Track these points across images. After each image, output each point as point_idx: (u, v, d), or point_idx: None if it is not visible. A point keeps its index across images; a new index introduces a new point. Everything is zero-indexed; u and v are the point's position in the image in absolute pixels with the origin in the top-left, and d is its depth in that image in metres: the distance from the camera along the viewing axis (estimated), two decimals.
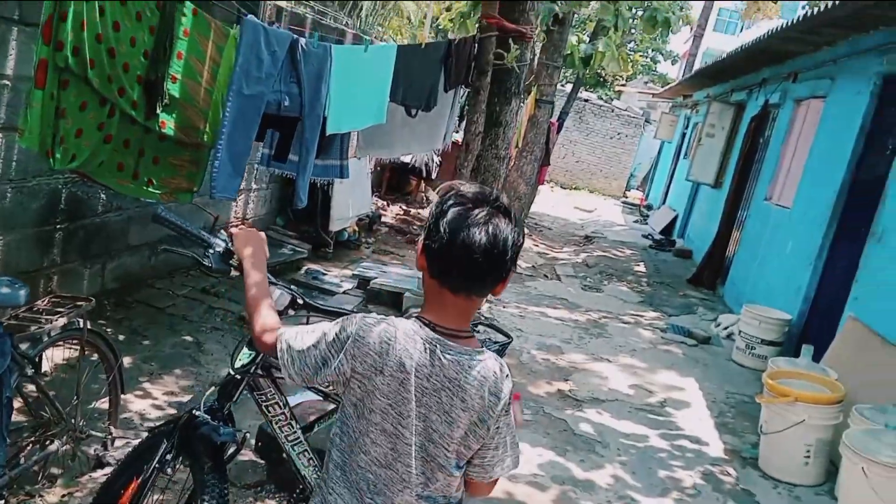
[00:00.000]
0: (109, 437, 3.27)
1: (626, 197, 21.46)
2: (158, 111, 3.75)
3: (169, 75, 3.74)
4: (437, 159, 10.91)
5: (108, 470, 3.19)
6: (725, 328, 7.32)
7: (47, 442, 2.90)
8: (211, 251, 2.00)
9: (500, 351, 2.54)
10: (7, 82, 3.99)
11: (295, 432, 2.21)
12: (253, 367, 2.07)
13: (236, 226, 1.86)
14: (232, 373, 2.07)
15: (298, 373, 1.52)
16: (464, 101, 6.64)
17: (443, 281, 1.49)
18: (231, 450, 2.06)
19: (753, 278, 8.05)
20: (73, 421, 3.02)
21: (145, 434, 3.57)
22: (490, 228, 1.44)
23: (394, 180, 11.96)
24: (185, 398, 4.12)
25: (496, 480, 1.61)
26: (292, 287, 2.15)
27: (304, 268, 7.09)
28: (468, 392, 1.49)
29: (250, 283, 1.74)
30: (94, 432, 3.20)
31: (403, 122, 5.41)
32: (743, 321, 6.46)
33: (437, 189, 1.56)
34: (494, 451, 1.56)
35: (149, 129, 3.83)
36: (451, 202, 1.48)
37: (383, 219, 10.35)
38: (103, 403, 3.32)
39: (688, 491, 4.01)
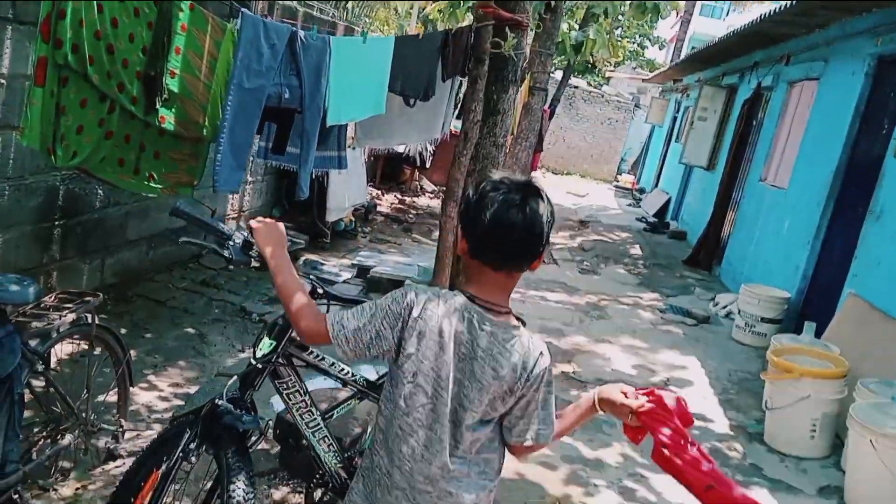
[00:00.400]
0: (120, 429, 3.28)
1: (618, 181, 21.50)
2: (158, 106, 3.74)
3: (167, 70, 3.72)
4: (430, 148, 10.91)
5: (119, 462, 3.22)
6: (724, 307, 7.37)
7: (59, 437, 2.91)
8: (231, 243, 2.01)
9: None
10: (3, 81, 3.97)
11: (315, 419, 2.23)
12: (274, 356, 2.08)
13: (255, 218, 1.86)
14: (254, 362, 2.08)
15: (353, 349, 1.61)
16: (458, 87, 6.63)
17: (485, 260, 1.60)
18: (254, 438, 2.07)
19: (750, 258, 8.11)
20: (83, 415, 3.03)
21: (155, 426, 3.63)
22: (527, 209, 1.57)
23: (388, 170, 11.96)
24: (192, 389, 4.13)
25: (531, 447, 1.71)
26: (311, 277, 2.16)
27: (303, 258, 7.09)
28: (500, 363, 1.59)
29: (281, 278, 1.79)
30: (104, 426, 3.21)
31: (401, 111, 5.40)
32: (742, 300, 6.51)
33: (474, 177, 1.64)
34: (522, 419, 1.67)
35: (149, 124, 3.81)
36: (489, 188, 1.59)
37: (379, 208, 10.35)
38: (110, 397, 3.33)
39: None
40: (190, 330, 4.99)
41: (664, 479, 3.85)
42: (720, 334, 6.74)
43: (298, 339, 1.73)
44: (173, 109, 3.88)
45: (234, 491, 1.92)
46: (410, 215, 10.63)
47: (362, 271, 6.66)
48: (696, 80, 14.01)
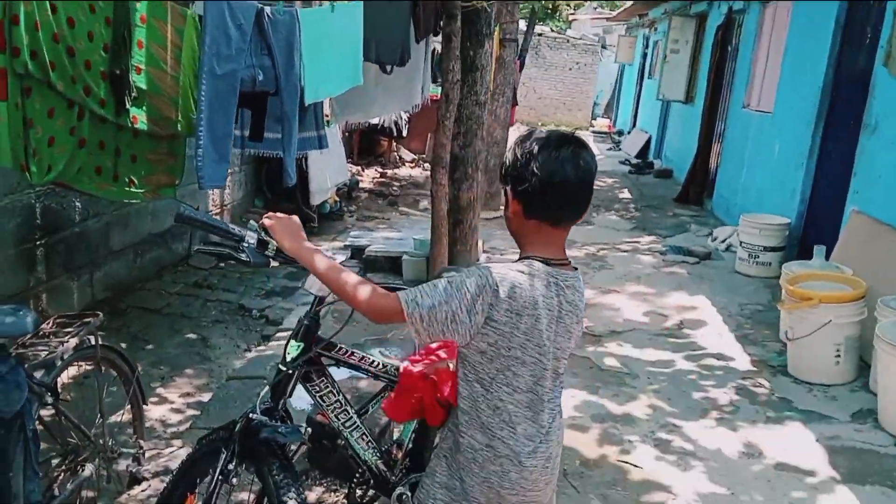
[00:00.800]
0: (140, 451, 3.15)
1: (594, 126, 21.32)
2: (128, 106, 3.55)
3: (133, 67, 3.53)
4: (405, 117, 10.67)
5: (145, 486, 3.10)
6: (723, 241, 7.30)
7: (79, 468, 2.77)
8: (245, 244, 1.86)
9: None
10: None
11: (351, 417, 2.12)
12: (304, 359, 1.95)
13: (266, 215, 1.79)
14: (283, 368, 1.95)
15: (426, 328, 1.59)
16: (432, 50, 6.42)
17: (543, 218, 1.64)
18: (295, 447, 1.95)
19: (742, 188, 8.03)
20: (101, 441, 2.89)
21: (174, 441, 3.50)
22: (581, 162, 1.62)
23: (364, 144, 11.71)
24: (205, 397, 4.00)
25: None
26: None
27: None
28: (580, 308, 1.73)
29: (322, 269, 1.78)
30: (123, 449, 3.07)
31: (378, 80, 5.22)
32: (742, 231, 6.43)
33: (516, 138, 1.68)
34: None
35: (121, 126, 3.63)
36: (537, 147, 1.61)
37: (361, 184, 10.16)
38: (122, 417, 3.18)
39: (726, 408, 3.99)
40: (191, 335, 4.85)
41: (698, 425, 3.80)
42: (723, 269, 6.69)
43: (371, 321, 1.70)
44: (144, 107, 3.69)
45: None
46: (394, 188, 10.44)
47: (356, 252, 6.50)
48: (663, 13, 13.80)
